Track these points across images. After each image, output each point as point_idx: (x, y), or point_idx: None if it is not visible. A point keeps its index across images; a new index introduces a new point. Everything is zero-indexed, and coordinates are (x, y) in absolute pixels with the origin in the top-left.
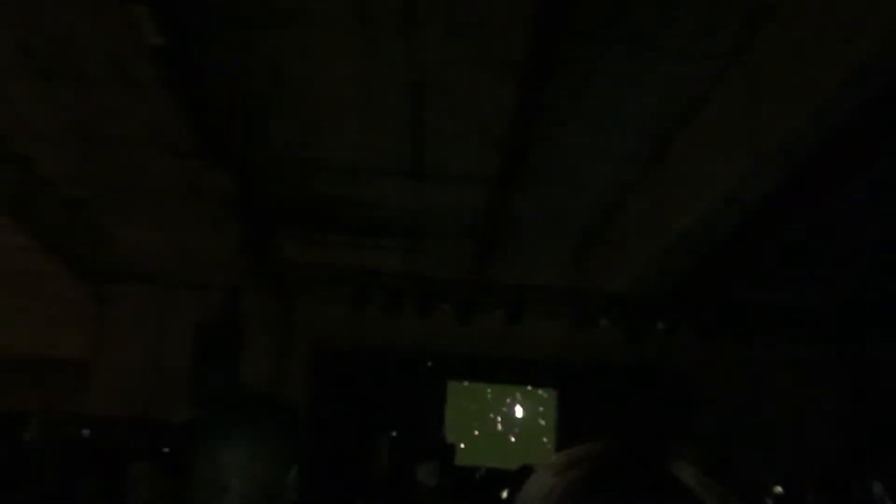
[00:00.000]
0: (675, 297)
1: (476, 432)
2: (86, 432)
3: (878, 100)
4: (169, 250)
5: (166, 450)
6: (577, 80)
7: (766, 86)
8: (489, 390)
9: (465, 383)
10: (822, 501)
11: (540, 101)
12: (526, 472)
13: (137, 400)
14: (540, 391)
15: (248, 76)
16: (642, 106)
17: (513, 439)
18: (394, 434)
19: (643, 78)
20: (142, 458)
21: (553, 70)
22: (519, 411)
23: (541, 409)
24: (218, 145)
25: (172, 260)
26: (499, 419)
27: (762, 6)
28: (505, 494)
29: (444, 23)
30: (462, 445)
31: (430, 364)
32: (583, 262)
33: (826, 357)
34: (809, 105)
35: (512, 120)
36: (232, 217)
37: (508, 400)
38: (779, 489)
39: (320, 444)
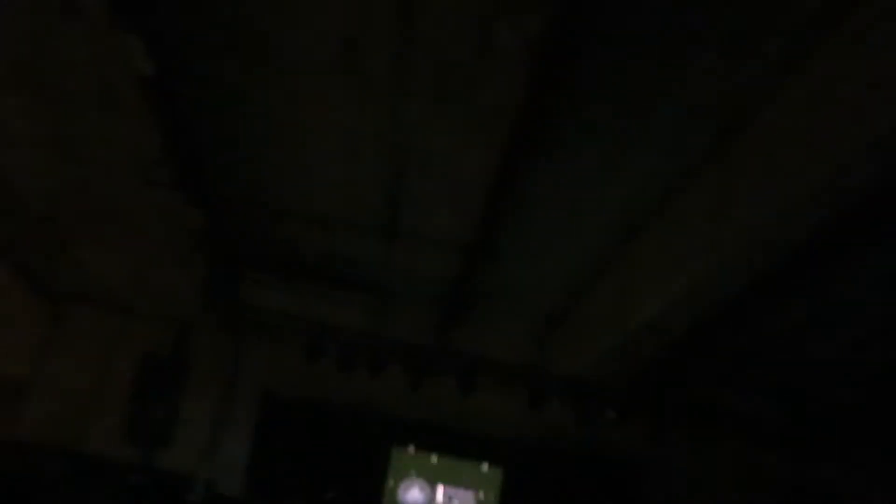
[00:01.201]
0: (629, 387)
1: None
2: None
3: (842, 218)
4: (130, 278)
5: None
6: (557, 164)
7: (736, 190)
8: (434, 460)
9: (411, 450)
10: None
11: (518, 178)
12: None
13: (72, 427)
14: (486, 468)
15: (233, 116)
16: (616, 194)
17: None
18: (331, 495)
19: (620, 168)
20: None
21: (534, 150)
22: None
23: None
24: (194, 180)
25: (132, 288)
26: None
27: (738, 116)
28: None
29: (434, 89)
30: None
31: (377, 427)
32: (545, 342)
33: (767, 463)
34: (775, 215)
35: (489, 193)
36: (198, 253)
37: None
38: None
39: (259, 495)
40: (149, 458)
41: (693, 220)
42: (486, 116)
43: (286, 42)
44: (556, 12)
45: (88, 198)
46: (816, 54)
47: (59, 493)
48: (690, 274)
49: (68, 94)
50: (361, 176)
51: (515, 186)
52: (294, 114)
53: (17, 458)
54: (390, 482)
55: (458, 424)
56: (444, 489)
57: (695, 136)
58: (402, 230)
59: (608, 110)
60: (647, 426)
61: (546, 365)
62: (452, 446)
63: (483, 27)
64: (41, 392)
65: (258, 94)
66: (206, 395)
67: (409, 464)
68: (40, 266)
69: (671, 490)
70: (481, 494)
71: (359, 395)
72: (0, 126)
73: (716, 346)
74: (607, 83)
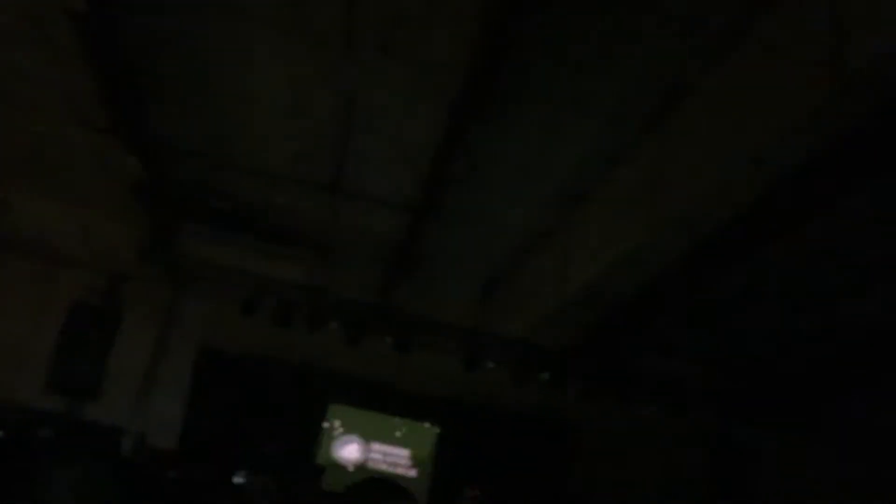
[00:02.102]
0: (564, 350)
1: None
2: None
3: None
4: (65, 226)
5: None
6: (504, 126)
7: (672, 162)
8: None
9: (347, 407)
10: None
11: (465, 139)
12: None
13: (3, 381)
14: (426, 425)
15: (173, 60)
16: (561, 161)
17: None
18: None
19: (566, 133)
20: None
21: (482, 111)
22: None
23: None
24: (132, 125)
25: (66, 237)
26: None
27: (679, 87)
28: None
29: (381, 43)
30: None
31: (315, 383)
32: (486, 304)
33: (691, 424)
34: (709, 185)
35: (436, 153)
36: (136, 202)
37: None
38: None
39: (193, 450)
40: (76, 411)
41: (632, 190)
42: (434, 72)
43: None
44: None
45: (20, 139)
46: (754, 29)
47: None
48: (626, 243)
49: None
50: (306, 130)
51: (463, 147)
52: (238, 62)
53: None
54: (326, 438)
55: (395, 383)
56: (380, 446)
57: (637, 105)
58: (347, 187)
59: (554, 72)
60: (580, 388)
61: (486, 327)
62: (389, 404)
63: None
64: None
65: (201, 39)
66: (138, 347)
67: (346, 420)
68: None
69: (599, 453)
70: (416, 452)
71: (297, 352)
72: None
73: (648, 313)
74: (554, 44)
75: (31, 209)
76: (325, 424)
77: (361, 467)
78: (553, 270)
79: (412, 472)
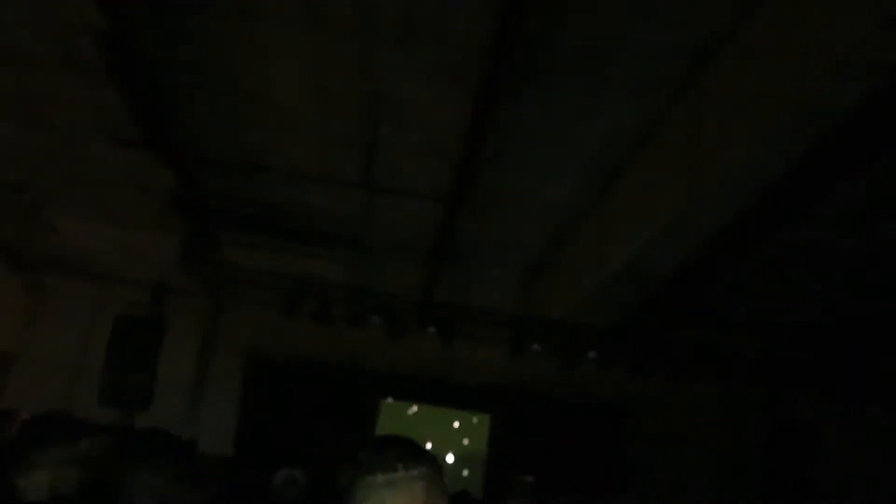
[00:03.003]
0: (610, 329)
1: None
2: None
3: (821, 145)
4: (107, 243)
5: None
6: (532, 104)
7: (708, 124)
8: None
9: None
10: None
11: (495, 121)
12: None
13: (57, 397)
14: (475, 418)
15: (199, 69)
16: (594, 134)
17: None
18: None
19: (596, 106)
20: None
21: (509, 91)
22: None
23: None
24: (163, 138)
25: (109, 254)
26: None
27: (713, 37)
28: None
29: (401, 33)
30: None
31: (363, 380)
32: (529, 289)
33: (749, 399)
34: (751, 147)
35: (465, 138)
36: (173, 214)
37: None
38: None
39: (248, 454)
40: (129, 421)
41: (670, 156)
42: (456, 57)
43: None
44: None
45: (57, 162)
46: None
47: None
48: (668, 212)
49: (24, 51)
50: (333, 127)
51: (493, 131)
52: (261, 66)
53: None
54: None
55: (442, 375)
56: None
57: (669, 63)
58: (379, 181)
59: (580, 43)
60: (630, 368)
61: (531, 312)
62: (439, 396)
63: None
64: (24, 364)
65: (222, 46)
66: (184, 357)
67: (396, 415)
68: (14, 237)
69: (654, 434)
70: (467, 443)
71: (344, 351)
72: None
73: (696, 286)
74: (580, 15)
75: (75, 229)
76: (377, 421)
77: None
78: (594, 249)
79: (466, 463)
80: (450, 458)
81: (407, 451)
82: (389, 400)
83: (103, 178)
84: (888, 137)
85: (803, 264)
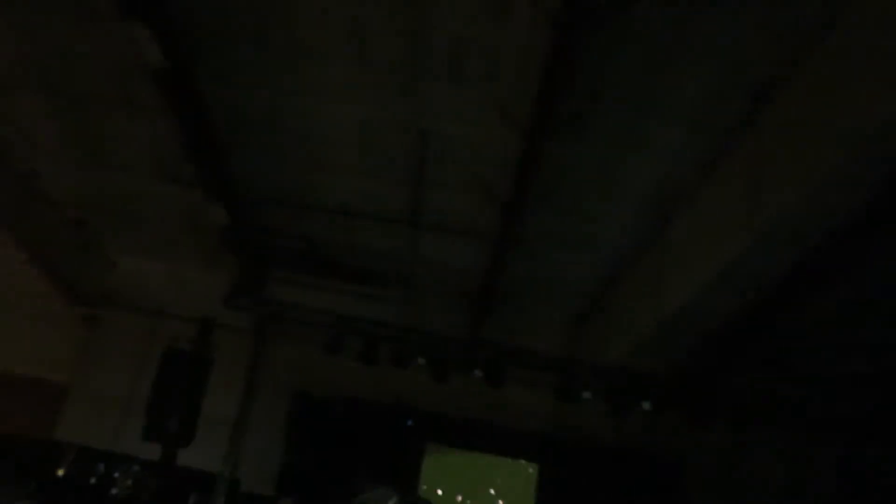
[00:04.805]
0: (665, 376)
1: (459, 497)
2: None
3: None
4: (161, 279)
5: None
6: (582, 142)
7: (768, 169)
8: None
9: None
10: None
11: (544, 160)
12: None
13: (107, 431)
14: (524, 464)
15: (251, 110)
16: (646, 176)
17: None
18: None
19: (649, 143)
20: None
21: (557, 129)
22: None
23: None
24: (215, 176)
25: (163, 289)
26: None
27: (770, 88)
28: None
29: (450, 72)
30: None
31: (410, 422)
32: (578, 332)
33: (817, 451)
34: (810, 189)
35: (515, 179)
36: (223, 250)
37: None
38: None
39: (291, 495)
40: (170, 457)
41: (728, 197)
42: (505, 95)
43: (294, 30)
44: None
45: (115, 199)
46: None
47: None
48: (725, 255)
49: (87, 94)
50: (382, 165)
51: (542, 170)
52: (308, 106)
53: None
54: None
55: (488, 419)
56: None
57: (725, 109)
58: (426, 220)
59: (633, 80)
60: (686, 419)
61: (579, 356)
62: (485, 442)
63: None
64: (78, 396)
65: (272, 88)
66: (229, 393)
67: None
68: (73, 270)
69: (713, 486)
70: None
71: (389, 392)
72: (28, 130)
73: (756, 333)
74: (630, 50)
75: (129, 264)
76: (422, 466)
77: None
78: (647, 293)
79: None
80: None
81: None
82: (436, 443)
83: (158, 215)
84: None
85: (864, 315)
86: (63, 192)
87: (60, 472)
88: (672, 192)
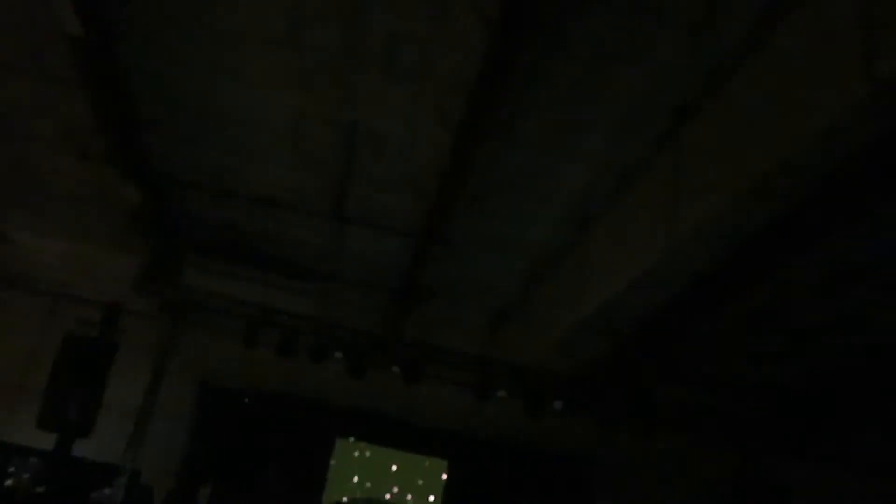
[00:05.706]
0: (578, 378)
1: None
2: None
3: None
4: (66, 260)
5: None
6: (513, 146)
7: (688, 178)
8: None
9: (352, 440)
10: None
11: (474, 161)
12: None
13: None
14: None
15: (172, 91)
16: (572, 179)
17: None
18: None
19: (574, 148)
20: None
21: (489, 131)
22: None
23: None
24: (130, 154)
25: (67, 270)
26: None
27: (694, 98)
28: None
29: (385, 66)
30: (345, 500)
31: (320, 417)
32: (498, 331)
33: (715, 457)
34: (725, 201)
35: (443, 177)
36: (135, 232)
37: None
38: None
39: (198, 483)
40: (67, 447)
41: (649, 205)
42: (439, 94)
43: (227, 10)
44: None
45: (20, 173)
46: (776, 36)
47: None
48: (644, 261)
49: None
50: (308, 156)
51: (471, 171)
52: (237, 90)
53: None
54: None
55: (403, 415)
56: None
57: (649, 118)
58: (351, 214)
59: (564, 89)
60: (597, 419)
61: (498, 356)
62: (398, 439)
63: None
64: None
65: (199, 66)
66: (134, 383)
67: (351, 455)
68: None
69: (620, 487)
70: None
71: (302, 386)
72: None
73: (664, 340)
74: (563, 58)
75: (30, 241)
76: (331, 460)
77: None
78: (567, 294)
79: None
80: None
81: None
82: (351, 440)
83: (64, 190)
84: (860, 207)
85: (772, 324)
86: None
87: None
88: (595, 195)
